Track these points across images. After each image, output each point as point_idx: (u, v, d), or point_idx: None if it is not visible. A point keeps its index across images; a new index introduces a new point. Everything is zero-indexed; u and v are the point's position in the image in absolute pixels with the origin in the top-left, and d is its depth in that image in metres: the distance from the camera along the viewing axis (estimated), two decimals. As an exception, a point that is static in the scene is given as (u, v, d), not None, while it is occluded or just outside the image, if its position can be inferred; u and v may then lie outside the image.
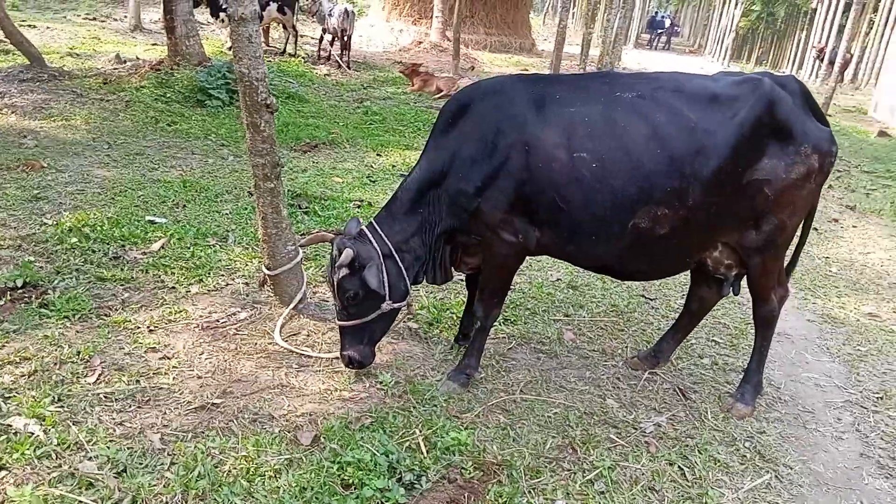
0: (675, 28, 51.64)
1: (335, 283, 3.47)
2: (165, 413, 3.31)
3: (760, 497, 3.10)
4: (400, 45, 22.54)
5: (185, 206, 6.18)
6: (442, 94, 14.15)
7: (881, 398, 4.00)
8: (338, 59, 16.07)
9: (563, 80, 3.56)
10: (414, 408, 3.48)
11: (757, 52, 42.61)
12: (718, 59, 37.34)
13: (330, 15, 16.01)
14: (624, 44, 28.90)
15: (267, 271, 4.30)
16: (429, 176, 3.55)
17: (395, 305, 3.61)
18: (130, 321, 4.08)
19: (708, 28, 49.20)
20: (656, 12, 50.94)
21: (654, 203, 3.23)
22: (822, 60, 28.07)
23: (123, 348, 3.81)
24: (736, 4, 36.13)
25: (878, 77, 23.48)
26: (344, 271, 3.42)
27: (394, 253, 3.56)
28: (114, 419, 3.22)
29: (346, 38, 16.14)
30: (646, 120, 3.23)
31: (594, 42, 16.70)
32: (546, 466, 3.14)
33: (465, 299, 4.69)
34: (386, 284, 3.52)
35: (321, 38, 16.69)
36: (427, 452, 3.13)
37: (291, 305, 4.27)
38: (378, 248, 3.53)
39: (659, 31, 45.28)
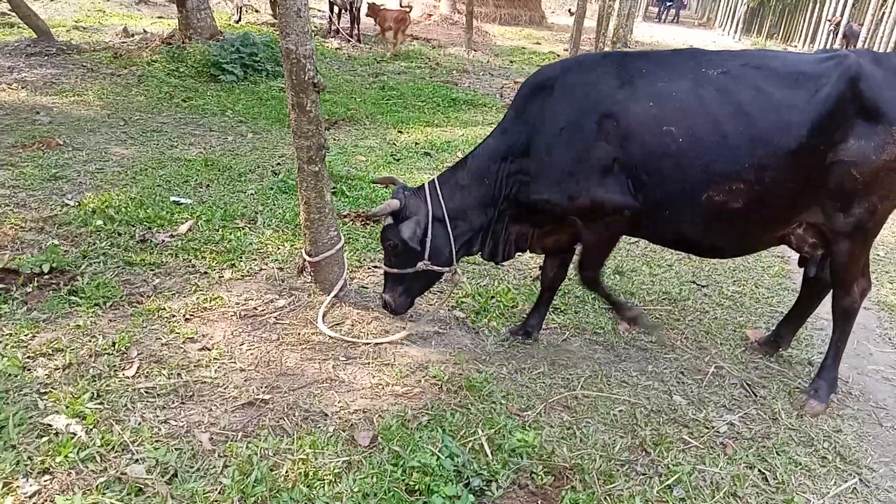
0: (683, 1, 50.78)
1: (382, 229, 3.59)
2: (211, 410, 3.13)
3: (848, 503, 2.92)
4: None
5: (208, 185, 5.97)
6: (395, 33, 14.36)
7: (954, 392, 3.82)
8: (346, 33, 15.69)
9: (648, 56, 3.39)
10: (472, 404, 3.29)
11: (767, 26, 41.86)
12: (729, 33, 36.75)
13: (337, -13, 15.62)
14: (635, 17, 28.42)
15: (308, 258, 4.09)
16: (504, 149, 3.46)
17: (434, 268, 3.58)
18: (165, 309, 3.88)
19: (717, 1, 48.37)
20: (665, -16, 49.99)
21: (734, 178, 3.14)
22: (836, 34, 27.60)
23: (160, 338, 3.61)
24: (747, -23, 35.45)
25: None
26: (388, 220, 3.49)
27: (446, 218, 3.51)
28: (158, 417, 3.03)
29: (354, 11, 15.75)
30: (731, 96, 3.12)
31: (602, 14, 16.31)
32: (619, 470, 2.95)
33: (513, 287, 4.51)
34: (427, 244, 3.51)
35: (330, 11, 16.28)
36: (493, 455, 2.94)
37: (333, 293, 4.07)
38: (430, 208, 3.50)
39: (668, 3, 44.47)
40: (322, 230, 3.98)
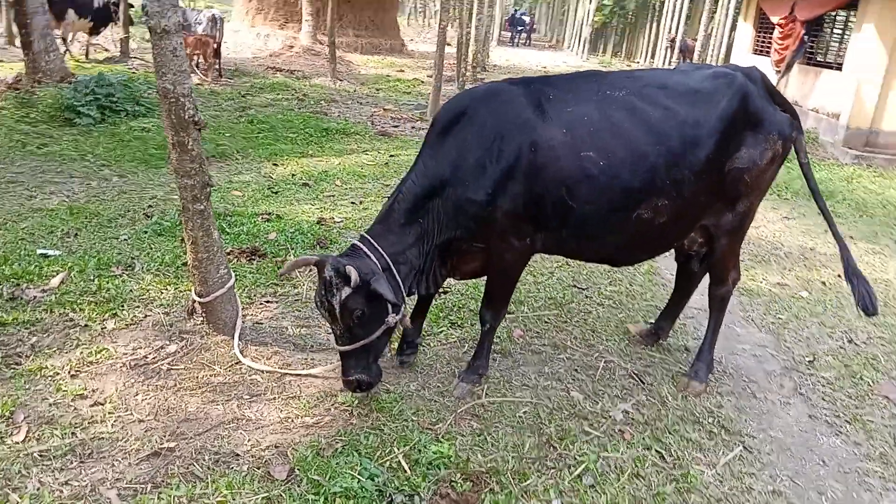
0: (533, 25, 53.42)
1: (339, 306, 3.18)
2: (114, 465, 2.99)
3: (737, 469, 3.22)
4: (269, 49, 21.89)
5: (76, 234, 5.66)
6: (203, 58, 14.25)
7: (812, 361, 4.28)
8: (204, 68, 15.29)
9: (554, 81, 3.54)
10: (384, 425, 3.34)
11: (612, 45, 44.79)
12: (577, 53, 38.98)
13: (198, 23, 15.30)
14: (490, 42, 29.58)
15: (198, 298, 3.99)
16: (428, 185, 3.39)
17: (398, 318, 3.38)
18: (47, 367, 3.66)
19: (564, 24, 51.23)
20: (515, 10, 52.40)
21: (656, 195, 3.34)
22: (673, 50, 29.93)
23: (47, 398, 3.41)
24: (590, 0, 37.79)
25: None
26: (347, 291, 3.15)
27: (391, 266, 3.36)
28: (57, 479, 2.87)
29: (215, 46, 15.41)
30: (641, 116, 3.31)
31: (455, 41, 16.92)
32: (531, 467, 3.10)
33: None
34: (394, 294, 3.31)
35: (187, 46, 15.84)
36: (412, 470, 3.01)
37: (238, 329, 4.00)
38: (377, 262, 3.31)
39: (519, 28, 46.58)
40: (212, 269, 3.91)
